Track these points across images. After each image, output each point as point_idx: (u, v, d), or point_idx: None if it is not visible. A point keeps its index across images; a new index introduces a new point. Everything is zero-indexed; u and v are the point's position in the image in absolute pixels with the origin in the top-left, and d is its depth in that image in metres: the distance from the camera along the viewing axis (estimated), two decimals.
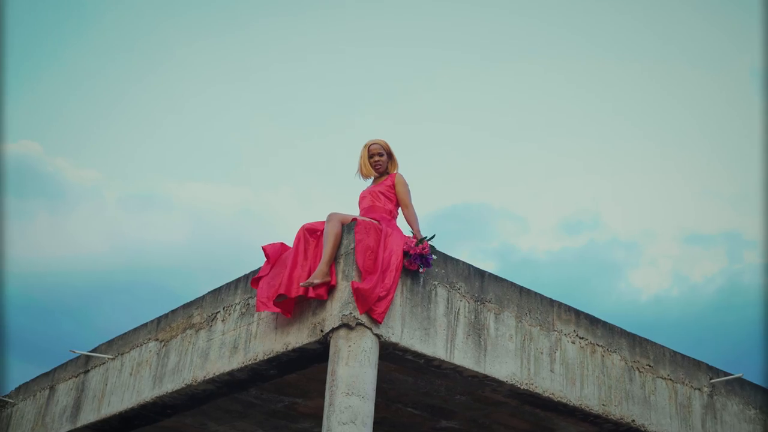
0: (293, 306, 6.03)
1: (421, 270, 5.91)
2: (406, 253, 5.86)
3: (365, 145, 6.64)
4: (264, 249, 6.28)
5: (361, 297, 5.58)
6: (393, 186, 6.51)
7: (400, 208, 6.56)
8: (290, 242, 6.20)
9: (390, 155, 6.64)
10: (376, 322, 5.66)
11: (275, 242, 6.33)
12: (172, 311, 7.57)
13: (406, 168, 6.77)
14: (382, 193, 6.46)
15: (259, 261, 6.42)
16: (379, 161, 6.60)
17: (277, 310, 6.01)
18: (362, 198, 6.60)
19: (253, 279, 6.25)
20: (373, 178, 6.70)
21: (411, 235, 6.09)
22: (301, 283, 5.74)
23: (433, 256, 5.95)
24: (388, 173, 6.67)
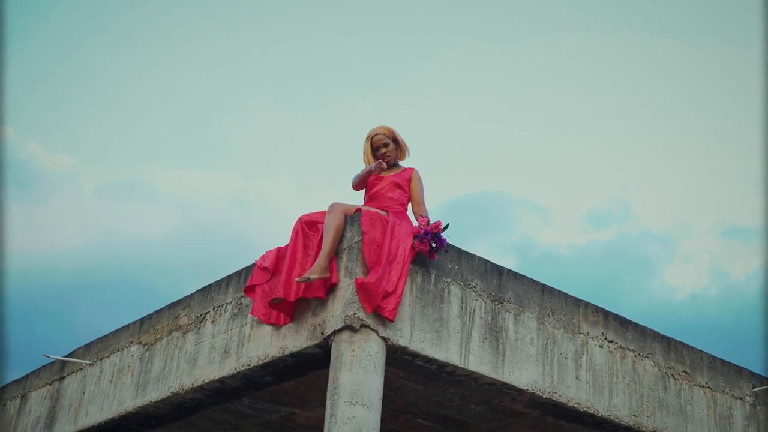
0: (293, 309, 6.02)
1: (433, 247, 5.83)
2: (416, 235, 5.84)
3: (367, 137, 6.59)
4: (259, 264, 6.24)
5: (366, 293, 5.57)
6: (410, 180, 6.50)
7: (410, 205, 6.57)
8: (285, 239, 6.20)
9: (396, 141, 6.61)
10: (385, 322, 5.65)
11: (270, 249, 6.31)
12: (157, 312, 7.58)
13: (415, 155, 6.76)
14: (398, 184, 6.44)
15: (253, 256, 6.43)
16: (388, 153, 6.58)
17: (279, 320, 6.02)
18: (371, 184, 6.54)
19: (246, 287, 6.24)
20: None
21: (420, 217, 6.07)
22: (296, 279, 5.73)
23: (446, 238, 5.90)
24: (399, 164, 6.65)
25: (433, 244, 5.87)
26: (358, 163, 6.67)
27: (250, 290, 6.23)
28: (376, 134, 6.59)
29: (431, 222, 5.95)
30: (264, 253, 6.31)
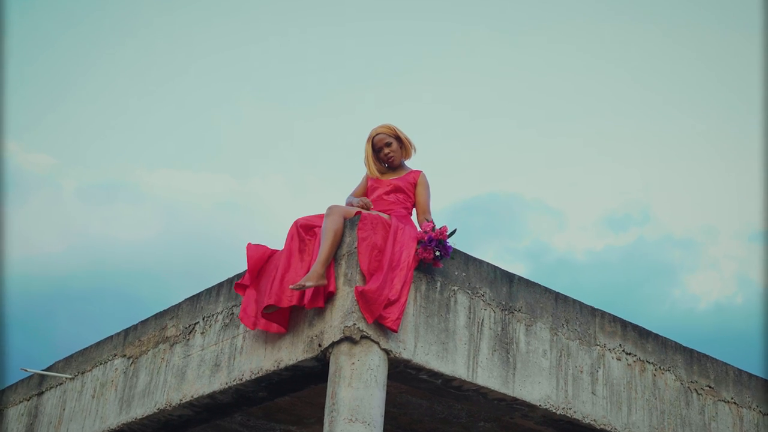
0: (288, 319, 6.03)
1: (437, 255, 5.85)
2: (420, 241, 5.85)
3: (368, 139, 6.61)
4: (248, 249, 6.25)
5: (367, 302, 5.58)
6: (415, 185, 6.52)
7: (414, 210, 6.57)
8: (280, 244, 6.21)
9: (400, 140, 6.62)
10: (387, 333, 5.66)
11: (260, 244, 6.31)
12: (142, 322, 7.58)
13: (419, 153, 6.76)
14: (401, 188, 6.46)
15: (245, 262, 6.42)
16: (391, 153, 6.59)
17: (270, 327, 6.01)
18: (373, 187, 6.57)
19: (237, 283, 6.25)
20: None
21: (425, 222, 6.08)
22: (290, 286, 5.73)
23: (452, 246, 5.92)
24: (403, 164, 6.66)
25: (438, 252, 5.88)
26: (358, 163, 6.69)
27: (240, 288, 6.23)
28: (377, 134, 6.59)
29: (436, 227, 5.95)
30: (260, 244, 6.29)
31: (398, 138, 6.61)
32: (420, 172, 6.60)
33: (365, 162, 6.63)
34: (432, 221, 6.19)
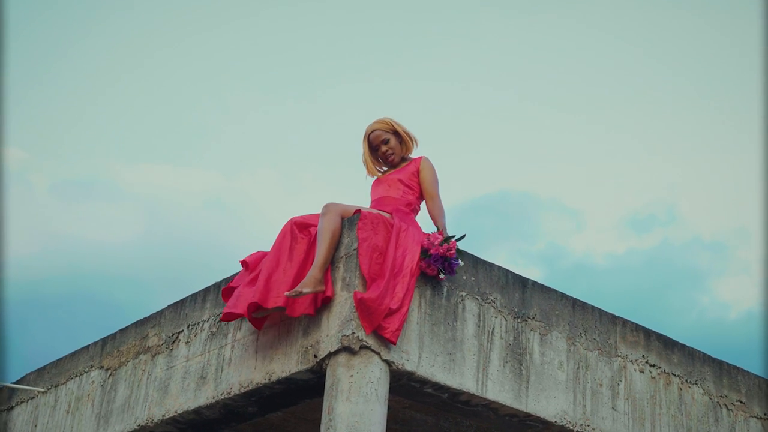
0: (264, 318, 6.04)
1: (441, 277, 5.91)
2: (424, 252, 5.85)
3: (364, 137, 6.62)
4: (243, 262, 6.26)
5: (366, 311, 5.58)
6: (417, 172, 6.52)
7: (422, 201, 6.57)
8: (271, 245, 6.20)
9: (398, 135, 6.63)
10: (388, 344, 5.66)
11: (256, 252, 6.32)
12: (121, 331, 7.58)
13: (424, 147, 6.76)
14: (402, 181, 6.46)
15: (234, 265, 6.44)
16: (389, 151, 6.61)
17: (242, 313, 5.94)
18: (374, 189, 6.59)
19: (225, 288, 6.25)
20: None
21: (434, 232, 6.08)
22: (285, 293, 5.73)
23: (460, 262, 5.94)
24: (406, 159, 6.67)
25: (442, 271, 5.91)
26: (356, 158, 6.69)
27: (227, 293, 6.23)
28: (373, 131, 6.59)
29: (447, 235, 5.95)
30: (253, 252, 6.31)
31: (396, 133, 6.61)
32: (422, 157, 6.60)
33: (363, 160, 6.64)
34: (443, 229, 6.18)
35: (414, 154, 6.74)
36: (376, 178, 6.66)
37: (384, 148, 6.59)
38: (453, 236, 5.97)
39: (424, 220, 6.45)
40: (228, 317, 6.06)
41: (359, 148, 6.67)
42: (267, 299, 5.86)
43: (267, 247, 6.18)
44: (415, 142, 6.69)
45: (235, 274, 6.43)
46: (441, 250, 5.85)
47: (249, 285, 6.05)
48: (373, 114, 6.63)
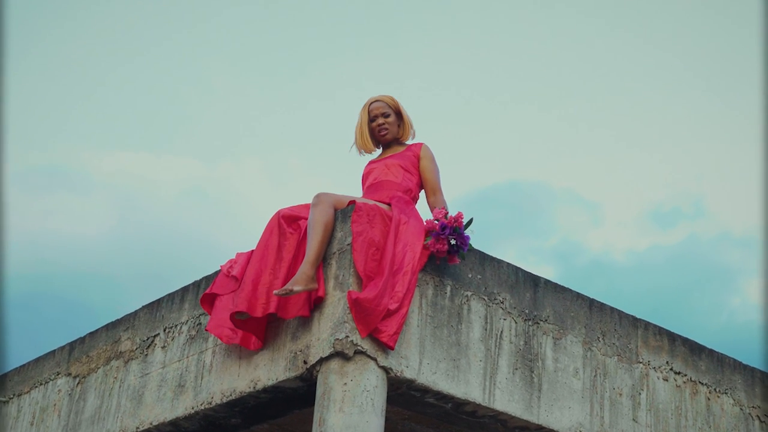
0: (264, 330, 6.04)
1: (453, 245, 5.83)
2: (430, 232, 5.87)
3: (364, 106, 6.70)
4: (224, 272, 6.26)
5: (362, 312, 5.58)
6: (418, 159, 6.55)
7: (422, 190, 6.59)
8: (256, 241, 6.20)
9: (400, 115, 6.69)
10: (385, 349, 5.66)
11: (240, 252, 6.31)
12: (91, 334, 7.58)
13: (424, 134, 6.77)
14: (401, 166, 6.47)
15: (216, 261, 6.43)
16: (385, 124, 6.66)
17: (248, 341, 6.03)
18: (367, 173, 6.60)
19: (205, 295, 6.25)
20: (378, 151, 6.72)
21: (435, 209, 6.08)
22: (274, 292, 5.73)
23: (471, 233, 5.92)
24: (400, 142, 6.69)
25: (453, 242, 5.87)
26: (349, 145, 6.69)
27: (207, 301, 6.22)
28: (376, 101, 6.67)
29: (449, 215, 5.95)
30: (232, 257, 6.31)
31: (399, 113, 6.68)
32: (421, 144, 6.65)
33: (357, 132, 6.65)
34: (444, 208, 6.20)
35: (409, 142, 6.76)
36: (366, 165, 6.67)
37: (381, 120, 6.64)
38: (458, 213, 5.95)
39: (423, 213, 6.45)
40: (218, 332, 6.10)
41: (352, 134, 6.69)
42: (255, 307, 5.86)
43: (253, 244, 6.18)
44: (413, 132, 6.76)
45: (217, 273, 6.42)
46: (448, 222, 5.85)
47: (234, 295, 6.06)
48: (367, 97, 6.65)
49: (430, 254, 5.90)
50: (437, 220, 5.90)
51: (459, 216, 5.90)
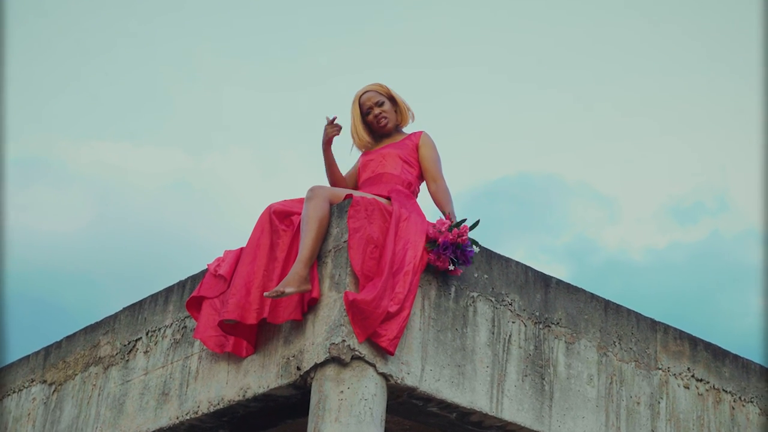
0: (255, 335, 6.04)
1: (451, 269, 5.90)
2: (432, 242, 5.85)
3: (354, 101, 6.72)
4: (211, 271, 6.27)
5: (359, 315, 5.58)
6: (417, 148, 6.57)
7: (423, 183, 6.61)
8: (245, 239, 6.20)
9: (393, 101, 6.72)
10: (385, 354, 5.67)
11: (228, 250, 6.31)
12: (67, 338, 7.58)
13: (425, 123, 6.77)
14: (400, 157, 6.48)
15: (202, 260, 6.44)
16: (383, 113, 6.67)
17: (239, 348, 6.04)
18: (364, 165, 6.61)
19: (191, 298, 6.25)
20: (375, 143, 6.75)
21: (440, 218, 6.08)
22: (265, 294, 5.73)
23: (475, 248, 5.94)
24: (399, 129, 6.70)
25: (455, 261, 5.90)
26: (344, 134, 6.68)
27: (194, 305, 6.22)
28: (365, 92, 6.69)
29: (456, 222, 5.94)
30: (220, 255, 6.31)
31: (392, 99, 6.70)
32: (421, 132, 6.68)
33: (351, 130, 6.68)
34: (450, 214, 6.19)
35: (409, 130, 6.77)
36: (362, 156, 6.68)
37: (377, 110, 6.65)
38: (464, 220, 5.96)
39: (425, 207, 6.46)
40: (207, 340, 6.12)
41: (348, 128, 6.70)
42: (248, 313, 5.86)
43: (242, 241, 6.19)
44: (412, 115, 6.77)
45: (204, 273, 6.42)
46: (451, 237, 5.85)
47: (224, 298, 6.05)
48: (364, 84, 6.68)
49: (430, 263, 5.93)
50: (440, 231, 5.89)
51: (464, 230, 5.89)
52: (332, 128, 6.49)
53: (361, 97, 6.69)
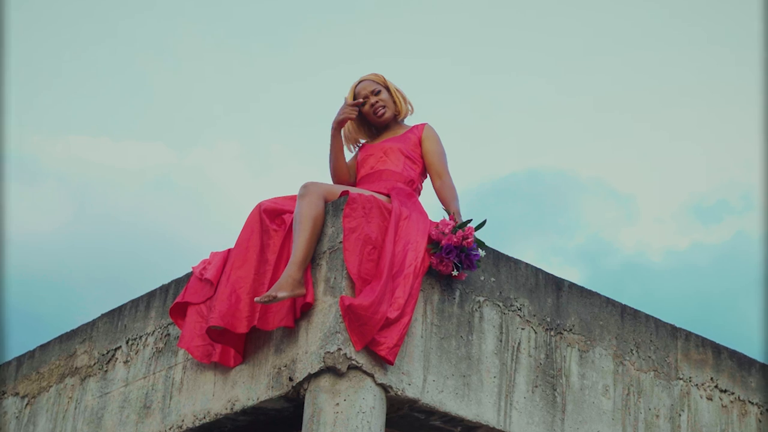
0: (244, 343, 6.05)
1: (455, 274, 5.91)
2: (434, 245, 5.86)
3: (350, 90, 6.77)
4: (197, 274, 6.28)
5: (356, 321, 5.59)
6: (420, 142, 6.58)
7: (428, 179, 6.63)
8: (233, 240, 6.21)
9: (389, 91, 6.76)
10: (384, 364, 5.67)
11: (215, 251, 6.31)
12: (41, 348, 7.58)
13: (428, 116, 6.77)
14: (402, 152, 6.49)
15: (186, 262, 6.43)
16: (380, 103, 6.70)
17: (227, 358, 6.04)
18: (363, 160, 6.62)
19: (175, 304, 6.25)
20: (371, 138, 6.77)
21: (444, 218, 6.09)
22: (255, 299, 5.74)
23: (481, 252, 5.94)
24: (398, 121, 6.71)
25: (458, 267, 5.90)
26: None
27: (178, 311, 6.23)
28: (359, 82, 6.73)
29: (461, 222, 5.94)
30: (206, 257, 6.31)
31: (388, 88, 6.75)
32: (424, 124, 6.69)
33: (345, 126, 6.70)
34: (455, 213, 6.19)
35: (410, 122, 6.78)
36: (360, 150, 6.69)
37: (374, 99, 6.67)
38: (469, 221, 5.97)
39: (427, 205, 6.47)
40: (192, 349, 6.13)
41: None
42: (239, 321, 5.87)
43: (230, 242, 6.20)
44: (411, 107, 6.81)
45: (188, 276, 6.43)
46: (455, 239, 5.85)
47: (210, 303, 6.06)
48: (361, 74, 6.71)
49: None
50: (443, 233, 5.89)
51: (469, 232, 5.89)
52: (351, 109, 6.53)
53: (356, 88, 6.72)
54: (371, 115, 6.70)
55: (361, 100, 6.59)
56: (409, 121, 6.81)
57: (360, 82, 6.72)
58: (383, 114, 6.69)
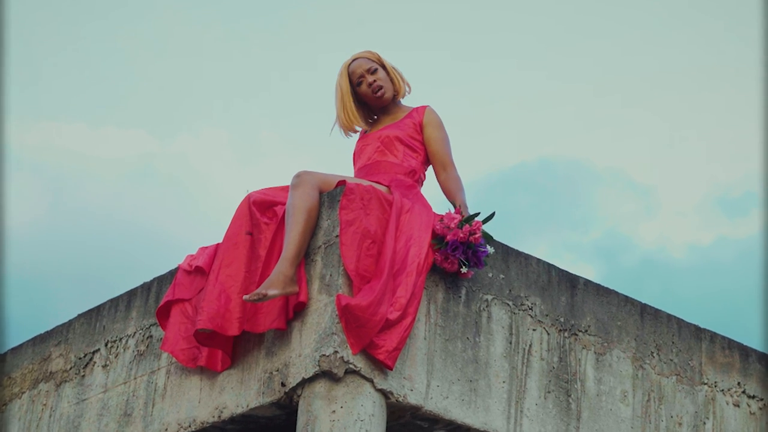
0: (232, 345, 6.07)
1: (462, 272, 5.90)
2: (439, 240, 5.85)
3: (341, 72, 6.72)
4: (183, 269, 6.28)
5: (354, 322, 5.59)
6: (421, 127, 6.56)
7: (430, 168, 6.64)
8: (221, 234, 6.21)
9: (386, 69, 6.73)
10: (384, 368, 5.67)
11: (204, 246, 6.31)
12: (13, 351, 7.60)
13: (432, 102, 6.76)
14: (401, 141, 6.48)
15: (171, 259, 6.43)
16: (378, 81, 6.67)
17: (214, 361, 6.05)
18: (360, 150, 6.60)
19: (161, 306, 6.25)
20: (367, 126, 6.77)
21: (449, 211, 6.09)
22: (244, 297, 5.73)
23: (489, 248, 5.94)
24: (396, 102, 6.70)
25: (466, 263, 5.91)
26: (330, 112, 6.70)
27: (164, 313, 6.22)
28: (353, 60, 6.69)
29: (467, 216, 5.94)
30: (192, 253, 6.31)
31: (384, 66, 6.72)
32: (425, 107, 6.66)
33: (338, 107, 6.68)
34: (461, 206, 6.18)
35: (407, 102, 6.77)
36: (359, 140, 6.68)
37: (370, 78, 6.64)
38: (476, 214, 5.96)
39: (430, 196, 6.46)
40: (177, 353, 6.14)
41: (333, 107, 6.73)
42: (229, 323, 5.87)
43: (217, 234, 6.20)
44: (408, 86, 6.79)
45: (174, 272, 6.42)
46: (461, 235, 5.84)
47: (196, 302, 6.06)
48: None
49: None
50: (449, 227, 5.87)
51: (476, 227, 5.88)
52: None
53: (350, 66, 6.68)
54: (369, 96, 6.67)
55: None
56: (409, 101, 6.79)
57: (353, 60, 6.68)
58: (382, 94, 6.65)
